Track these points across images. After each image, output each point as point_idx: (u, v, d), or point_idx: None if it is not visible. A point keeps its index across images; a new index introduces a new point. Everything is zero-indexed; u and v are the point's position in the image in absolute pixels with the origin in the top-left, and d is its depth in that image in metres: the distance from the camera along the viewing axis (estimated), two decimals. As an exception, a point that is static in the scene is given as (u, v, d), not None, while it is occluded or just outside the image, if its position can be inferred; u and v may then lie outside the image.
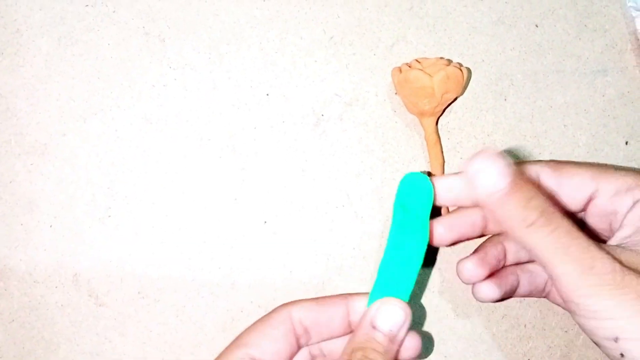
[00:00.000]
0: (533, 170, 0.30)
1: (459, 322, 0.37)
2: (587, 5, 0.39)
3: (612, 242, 0.28)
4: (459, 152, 0.37)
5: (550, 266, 0.26)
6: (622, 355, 0.25)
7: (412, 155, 0.37)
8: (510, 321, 0.37)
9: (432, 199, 0.30)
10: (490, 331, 0.37)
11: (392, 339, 0.28)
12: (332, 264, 0.37)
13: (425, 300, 0.37)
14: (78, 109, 0.37)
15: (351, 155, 0.37)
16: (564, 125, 0.38)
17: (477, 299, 0.32)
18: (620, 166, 0.31)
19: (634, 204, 0.28)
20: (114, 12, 0.38)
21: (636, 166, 0.38)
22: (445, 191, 0.30)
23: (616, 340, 0.25)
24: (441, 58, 0.36)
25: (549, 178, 0.29)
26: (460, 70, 0.35)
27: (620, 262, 0.26)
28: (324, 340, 0.31)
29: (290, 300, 0.31)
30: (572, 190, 0.29)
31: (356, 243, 0.37)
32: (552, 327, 0.37)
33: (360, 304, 0.30)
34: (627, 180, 0.28)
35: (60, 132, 0.37)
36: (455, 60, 0.38)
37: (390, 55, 0.38)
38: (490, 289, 0.32)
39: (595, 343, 0.26)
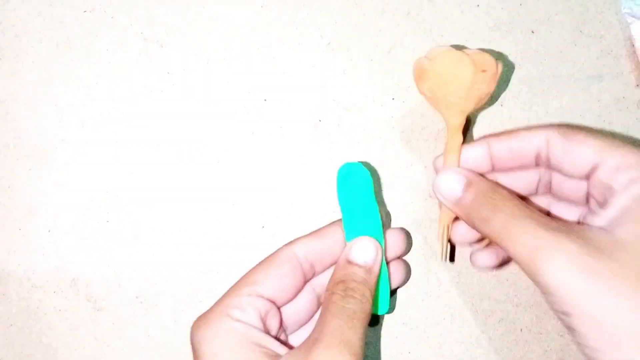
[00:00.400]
0: (542, 136, 0.31)
1: (455, 326, 0.37)
2: (583, 11, 0.39)
3: (598, 221, 0.28)
4: (455, 157, 0.38)
5: (508, 251, 0.28)
6: (572, 329, 0.26)
7: (409, 160, 0.38)
8: (507, 325, 0.37)
9: (371, 182, 0.33)
10: (487, 335, 0.37)
11: (368, 269, 0.31)
12: (330, 268, 0.37)
13: (422, 304, 0.37)
14: (76, 113, 0.37)
15: (348, 160, 0.38)
16: (560, 131, 0.38)
17: (476, 267, 0.34)
18: (633, 140, 0.31)
19: (629, 183, 0.27)
20: (112, 17, 0.38)
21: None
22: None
23: (567, 315, 0.26)
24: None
25: (557, 144, 0.30)
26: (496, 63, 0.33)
27: (584, 241, 0.26)
28: (327, 269, 0.33)
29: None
30: (576, 158, 0.29)
31: (354, 247, 0.37)
32: (548, 331, 0.37)
33: None
34: (631, 157, 0.28)
35: (59, 137, 0.37)
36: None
37: (387, 61, 0.38)
38: (487, 257, 0.34)
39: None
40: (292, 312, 0.33)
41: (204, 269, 0.37)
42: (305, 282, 0.33)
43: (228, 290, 0.31)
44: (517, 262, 0.28)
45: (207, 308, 0.36)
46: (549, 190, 0.33)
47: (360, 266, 0.31)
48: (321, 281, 0.33)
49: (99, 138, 0.37)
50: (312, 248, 0.32)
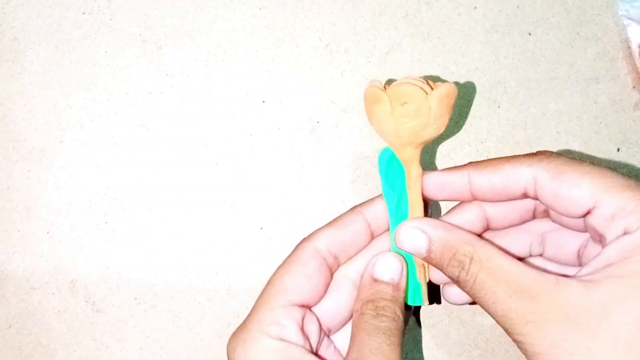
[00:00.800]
0: (529, 174, 0.28)
1: (452, 327, 0.37)
2: (580, 14, 0.39)
3: (585, 270, 0.26)
4: (452, 159, 0.38)
5: (485, 307, 0.27)
6: None
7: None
8: (504, 326, 0.37)
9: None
10: (484, 336, 0.37)
11: (395, 286, 0.30)
12: (328, 269, 0.37)
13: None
14: (75, 115, 0.37)
15: (347, 162, 0.38)
16: (557, 132, 0.38)
17: (449, 302, 0.33)
18: (628, 178, 0.28)
19: (622, 234, 0.26)
20: (111, 19, 0.38)
21: (627, 172, 0.38)
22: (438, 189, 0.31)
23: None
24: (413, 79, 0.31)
25: (545, 185, 0.28)
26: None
27: (554, 305, 0.25)
28: (351, 258, 0.32)
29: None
30: (568, 203, 0.27)
31: (352, 249, 0.37)
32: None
33: (377, 208, 0.31)
34: (628, 204, 0.26)
35: (57, 139, 0.37)
36: (450, 68, 0.38)
37: (385, 63, 0.38)
38: (459, 294, 0.31)
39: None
40: (329, 309, 0.31)
41: (202, 270, 0.37)
42: (332, 275, 0.31)
43: (259, 302, 0.29)
44: (498, 321, 0.26)
45: (204, 309, 0.37)
46: (548, 214, 0.31)
47: (387, 283, 0.30)
48: (352, 268, 0.32)
49: (97, 140, 0.37)
50: (333, 240, 0.31)
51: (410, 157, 0.30)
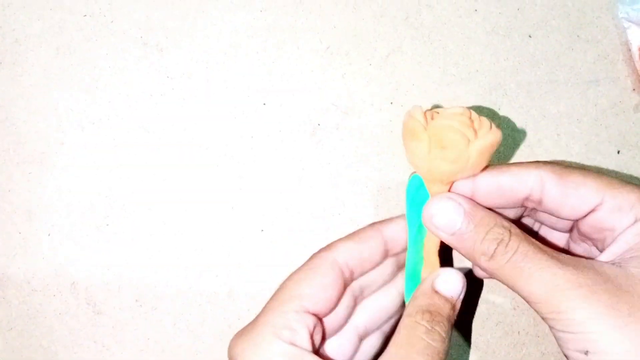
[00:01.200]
0: (536, 176, 0.29)
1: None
2: (580, 16, 0.39)
3: (604, 257, 0.28)
4: (453, 161, 0.38)
5: (517, 290, 0.27)
6: None
7: (407, 164, 0.38)
8: (504, 328, 0.37)
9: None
10: (484, 338, 0.37)
11: (452, 306, 0.29)
12: (329, 271, 0.37)
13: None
14: (76, 118, 0.37)
15: (347, 164, 0.38)
16: (557, 135, 0.38)
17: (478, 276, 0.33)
18: (627, 180, 0.30)
19: (635, 221, 0.27)
20: (112, 22, 0.38)
21: (627, 175, 0.38)
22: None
23: (586, 353, 0.25)
24: (459, 108, 0.30)
25: (553, 186, 0.29)
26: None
27: (602, 277, 0.25)
28: (364, 274, 0.31)
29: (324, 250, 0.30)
30: (576, 201, 0.28)
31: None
32: (546, 333, 0.37)
33: (396, 228, 0.31)
34: (632, 196, 0.27)
35: (58, 141, 0.37)
36: (451, 70, 0.38)
37: (386, 65, 0.38)
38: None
39: (565, 355, 0.27)
40: (331, 319, 0.31)
41: (203, 272, 0.37)
42: (345, 288, 0.31)
43: (271, 305, 0.29)
44: (530, 301, 0.27)
45: (205, 311, 0.37)
46: (533, 215, 0.32)
47: (447, 300, 0.29)
48: (359, 284, 0.32)
49: (98, 142, 0.37)
50: (352, 253, 0.30)
51: (438, 191, 0.30)
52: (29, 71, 0.38)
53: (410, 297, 0.30)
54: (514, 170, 0.29)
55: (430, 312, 0.28)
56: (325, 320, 0.30)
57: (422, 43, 0.39)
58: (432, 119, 0.29)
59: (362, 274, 0.31)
